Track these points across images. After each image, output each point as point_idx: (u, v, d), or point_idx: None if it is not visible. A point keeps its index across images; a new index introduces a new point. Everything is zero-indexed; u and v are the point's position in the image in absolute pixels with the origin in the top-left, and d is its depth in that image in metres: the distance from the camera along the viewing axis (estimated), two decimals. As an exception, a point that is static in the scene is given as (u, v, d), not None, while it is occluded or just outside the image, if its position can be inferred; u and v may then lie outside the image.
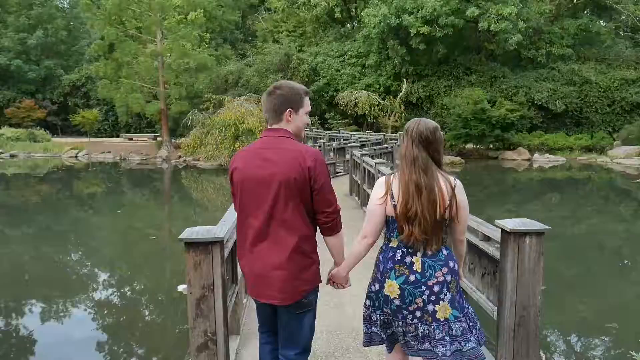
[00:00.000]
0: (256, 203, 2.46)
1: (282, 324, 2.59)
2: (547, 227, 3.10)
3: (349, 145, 14.13)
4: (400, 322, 2.45)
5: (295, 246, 2.43)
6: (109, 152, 31.84)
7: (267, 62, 35.27)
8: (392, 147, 13.95)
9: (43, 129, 37.30)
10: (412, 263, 2.40)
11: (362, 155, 9.94)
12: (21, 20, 40.96)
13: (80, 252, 11.53)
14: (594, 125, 31.23)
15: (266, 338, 2.75)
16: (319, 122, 34.48)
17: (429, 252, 2.41)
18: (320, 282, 2.59)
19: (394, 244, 2.45)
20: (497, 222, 3.27)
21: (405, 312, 2.41)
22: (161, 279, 8.82)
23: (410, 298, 2.39)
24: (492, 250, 3.54)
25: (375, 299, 2.50)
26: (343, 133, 23.79)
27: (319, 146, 14.43)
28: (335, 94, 33.77)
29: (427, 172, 2.38)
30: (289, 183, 2.39)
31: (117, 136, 38.95)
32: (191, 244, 2.92)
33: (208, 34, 43.38)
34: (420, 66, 33.55)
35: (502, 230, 3.20)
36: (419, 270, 2.39)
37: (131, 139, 35.49)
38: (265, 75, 34.37)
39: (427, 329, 2.41)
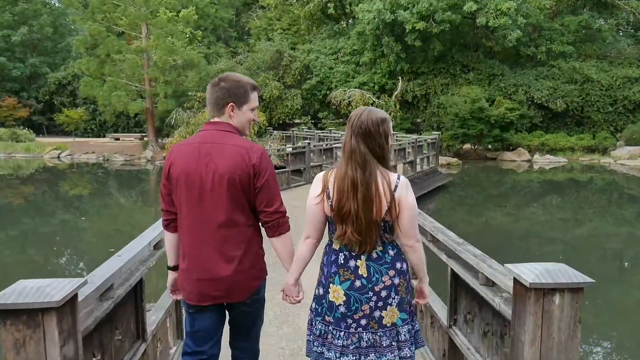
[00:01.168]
0: (196, 201, 2.33)
1: (236, 321, 2.54)
2: (589, 280, 1.97)
3: (335, 146, 13.06)
4: (342, 333, 2.26)
5: (241, 244, 2.36)
6: (93, 152, 30.74)
7: (258, 59, 34.22)
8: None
9: (27, 128, 36.13)
10: (356, 267, 2.24)
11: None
12: (5, 16, 39.71)
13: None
14: (596, 124, 30.14)
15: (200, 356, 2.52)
16: (312, 121, 33.42)
17: (374, 255, 2.24)
18: (267, 274, 2.52)
19: (336, 246, 2.29)
20: (511, 267, 2.15)
21: (350, 321, 2.25)
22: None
23: (357, 305, 2.23)
24: (499, 302, 2.43)
25: (318, 303, 2.34)
26: (334, 133, 22.66)
27: (303, 147, 13.33)
28: (328, 92, 32.73)
29: (365, 168, 2.18)
30: (233, 180, 2.29)
31: (104, 136, 37.77)
32: (7, 313, 1.78)
33: (200, 32, 42.56)
34: (416, 64, 32.51)
35: (517, 282, 2.08)
36: (365, 275, 2.23)
37: (117, 139, 34.37)
38: (256, 73, 33.28)
39: (373, 338, 2.25)
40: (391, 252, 2.27)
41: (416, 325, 2.38)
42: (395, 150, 14.03)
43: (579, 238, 13.09)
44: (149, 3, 28.02)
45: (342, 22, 39.00)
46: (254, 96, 2.46)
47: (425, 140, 17.42)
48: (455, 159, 25.76)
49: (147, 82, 28.72)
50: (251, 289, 2.43)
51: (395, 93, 31.49)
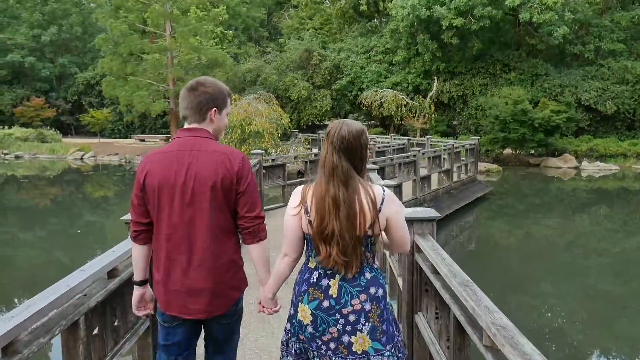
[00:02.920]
0: (176, 211, 2.27)
1: (213, 335, 2.47)
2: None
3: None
4: (316, 352, 2.21)
5: (221, 254, 2.31)
6: (116, 154, 30.01)
7: (287, 59, 33.06)
8: (415, 155, 11.26)
9: (54, 129, 35.87)
10: (328, 287, 2.16)
11: (368, 169, 7.32)
12: (35, 16, 39.59)
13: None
14: (650, 129, 27.78)
15: None
16: (342, 123, 31.95)
17: (349, 276, 2.14)
18: (247, 285, 2.47)
19: (312, 264, 2.21)
20: None
21: (319, 342, 2.17)
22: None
23: (324, 326, 2.14)
24: None
25: (291, 323, 2.26)
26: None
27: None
28: (359, 93, 31.37)
29: (348, 184, 2.10)
30: (214, 188, 2.25)
31: (130, 137, 37.18)
32: None
33: (231, 32, 41.80)
34: (452, 63, 30.71)
35: None
36: (334, 296, 2.14)
37: (142, 140, 33.63)
38: (284, 72, 32.16)
39: None
40: (367, 275, 2.17)
41: (400, 356, 2.25)
42: (429, 158, 12.42)
43: (629, 251, 12.14)
44: (175, 0, 27.05)
45: (374, 19, 37.44)
46: (229, 101, 2.45)
47: (463, 145, 15.70)
48: (495, 166, 23.83)
49: (171, 81, 27.78)
50: (231, 301, 2.39)
51: (430, 94, 29.81)
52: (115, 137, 37.87)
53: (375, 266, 2.22)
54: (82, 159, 30.36)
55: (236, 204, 2.30)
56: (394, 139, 20.12)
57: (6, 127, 34.80)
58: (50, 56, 40.49)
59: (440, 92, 30.27)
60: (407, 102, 29.27)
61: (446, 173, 13.70)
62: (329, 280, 2.16)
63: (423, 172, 12.08)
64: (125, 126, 38.46)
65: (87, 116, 35.09)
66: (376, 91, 29.82)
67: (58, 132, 35.82)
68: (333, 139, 2.12)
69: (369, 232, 2.10)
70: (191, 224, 2.27)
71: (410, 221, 3.34)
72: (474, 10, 26.74)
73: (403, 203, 11.00)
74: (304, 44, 32.82)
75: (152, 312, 2.54)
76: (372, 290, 2.16)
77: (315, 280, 2.18)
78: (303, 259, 2.30)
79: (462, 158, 15.54)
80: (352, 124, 2.17)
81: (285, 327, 2.33)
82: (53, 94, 39.82)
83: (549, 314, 8.07)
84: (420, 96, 30.16)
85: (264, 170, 9.27)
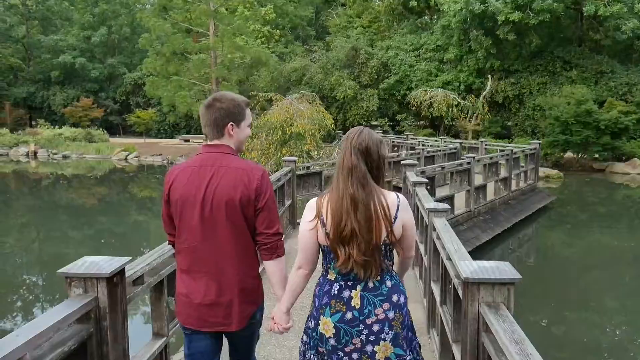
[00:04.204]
0: (196, 225, 2.31)
1: (233, 348, 2.55)
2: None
3: (403, 160, 10.39)
4: None
5: (239, 269, 2.33)
6: (160, 154, 29.81)
7: (333, 57, 32.04)
8: (469, 162, 9.97)
9: (102, 129, 36.21)
10: (350, 298, 2.14)
11: (416, 183, 6.18)
12: (86, 17, 40.17)
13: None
14: None
15: None
16: (389, 124, 30.73)
17: (370, 285, 2.14)
18: (264, 299, 2.50)
19: (331, 276, 2.20)
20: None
21: (341, 354, 2.15)
22: None
23: (347, 338, 2.13)
24: None
25: (310, 336, 2.25)
26: (412, 139, 19.84)
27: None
28: (407, 92, 30.02)
29: (365, 186, 2.11)
30: (232, 204, 2.27)
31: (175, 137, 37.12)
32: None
33: (278, 31, 41.27)
34: (508, 60, 28.90)
35: None
36: (357, 307, 2.13)
37: (187, 141, 33.37)
38: (329, 72, 31.15)
39: None
40: (388, 283, 2.17)
41: (418, 358, 2.26)
42: (485, 165, 11.10)
43: None
44: (219, -1, 26.55)
45: (425, 16, 35.88)
46: (248, 112, 2.47)
47: (523, 150, 14.20)
48: (555, 171, 21.97)
49: (214, 81, 27.28)
50: (248, 316, 2.38)
51: (484, 93, 28.13)
52: (161, 138, 37.90)
53: (394, 273, 2.22)
54: (126, 159, 30.38)
55: (255, 220, 2.32)
56: (445, 141, 18.74)
57: (57, 127, 35.38)
58: (100, 57, 41.03)
59: (495, 91, 28.51)
60: (459, 102, 27.72)
61: (504, 181, 12.30)
62: (351, 292, 2.13)
63: (478, 181, 10.77)
64: (171, 126, 38.41)
65: (133, 116, 35.22)
66: (426, 90, 28.40)
67: (105, 132, 36.15)
68: (353, 141, 2.16)
69: (387, 240, 2.10)
70: (210, 238, 2.30)
71: (475, 284, 2.26)
72: (532, 4, 24.94)
73: (455, 217, 9.82)
74: (350, 42, 31.72)
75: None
76: (395, 298, 2.15)
77: (336, 292, 2.15)
78: (318, 272, 2.30)
79: (521, 164, 14.06)
80: (372, 133, 2.22)
81: (302, 338, 2.32)
82: (102, 94, 40.28)
83: (613, 332, 7.61)
84: (473, 96, 28.50)
85: (297, 180, 8.29)
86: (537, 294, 9.06)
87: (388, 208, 2.09)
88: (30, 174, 27.39)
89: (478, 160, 10.68)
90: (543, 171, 20.96)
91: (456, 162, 10.17)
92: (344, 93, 29.81)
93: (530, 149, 14.57)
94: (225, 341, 2.56)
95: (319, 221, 2.14)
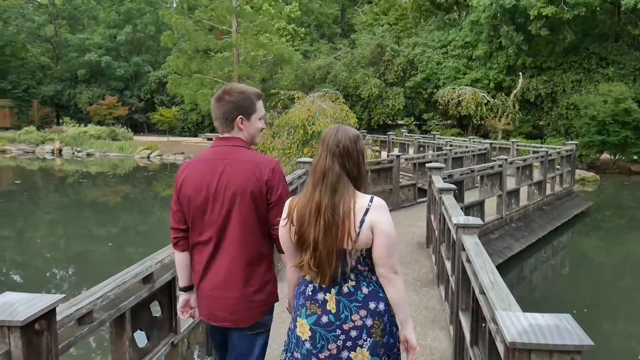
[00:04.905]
0: (208, 219, 2.30)
1: (232, 345, 2.42)
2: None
3: (429, 162, 9.69)
4: None
5: (251, 265, 2.30)
6: (182, 153, 29.55)
7: (358, 55, 31.31)
8: (501, 165, 9.16)
9: (126, 127, 36.20)
10: (325, 301, 2.06)
11: (442, 190, 5.49)
12: (111, 16, 40.25)
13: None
14: None
15: None
16: (415, 123, 29.86)
17: (345, 290, 2.05)
18: (277, 300, 2.43)
19: (308, 276, 2.12)
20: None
21: (314, 359, 2.06)
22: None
23: (323, 342, 2.05)
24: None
25: (289, 338, 2.20)
26: (439, 139, 19.01)
27: (390, 160, 9.97)
28: (435, 90, 29.09)
29: (336, 190, 2.02)
30: (243, 197, 2.25)
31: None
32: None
33: (303, 29, 40.79)
34: (540, 57, 27.75)
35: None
36: (333, 311, 2.04)
37: (210, 139, 33.03)
38: (354, 69, 30.44)
39: None
40: (364, 290, 2.07)
41: None
42: (518, 168, 10.27)
43: None
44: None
45: (453, 11, 34.84)
46: (260, 105, 2.41)
47: (559, 152, 13.25)
48: (591, 174, 20.84)
49: (237, 79, 26.84)
50: (257, 314, 2.34)
51: (515, 91, 27.04)
52: (184, 136, 37.71)
53: (374, 279, 2.10)
54: (148, 157, 30.22)
55: (268, 214, 2.30)
56: (473, 141, 17.86)
57: (82, 125, 35.51)
58: (125, 55, 41.06)
59: (526, 89, 27.37)
60: (488, 101, 26.70)
61: (538, 185, 11.43)
62: (325, 294, 2.08)
63: (510, 184, 9.96)
64: (194, 125, 38.19)
65: (156, 114, 35.08)
66: (453, 88, 27.47)
67: (130, 130, 36.14)
68: (329, 143, 2.08)
69: (351, 247, 2.00)
70: (222, 232, 2.28)
71: (525, 351, 1.59)
72: (567, -3, 23.83)
73: (486, 224, 9.04)
74: (376, 39, 30.92)
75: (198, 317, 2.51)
76: (372, 305, 2.06)
77: (310, 293, 2.10)
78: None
79: (556, 166, 13.13)
80: (348, 129, 2.14)
81: (285, 341, 2.26)
82: (127, 93, 40.32)
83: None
84: (503, 94, 27.45)
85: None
86: (571, 303, 8.59)
87: (354, 213, 1.99)
88: (56, 171, 27.75)
89: (511, 163, 9.86)
90: (578, 173, 19.88)
91: (487, 164, 9.38)
92: (369, 91, 29.07)
93: (567, 150, 13.63)
94: None
95: (289, 220, 2.11)
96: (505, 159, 9.32)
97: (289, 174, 7.74)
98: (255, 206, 2.25)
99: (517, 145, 16.55)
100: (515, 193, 10.05)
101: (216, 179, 2.26)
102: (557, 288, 9.84)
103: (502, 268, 8.63)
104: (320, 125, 17.86)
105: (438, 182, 6.16)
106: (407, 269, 6.04)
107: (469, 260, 3.14)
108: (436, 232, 5.89)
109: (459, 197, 7.65)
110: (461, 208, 7.89)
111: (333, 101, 19.75)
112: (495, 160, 9.71)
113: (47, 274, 10.71)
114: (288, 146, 18.92)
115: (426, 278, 5.80)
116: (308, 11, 43.97)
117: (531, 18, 24.96)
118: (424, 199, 9.21)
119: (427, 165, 7.32)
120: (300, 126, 18.31)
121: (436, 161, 11.05)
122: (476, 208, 8.35)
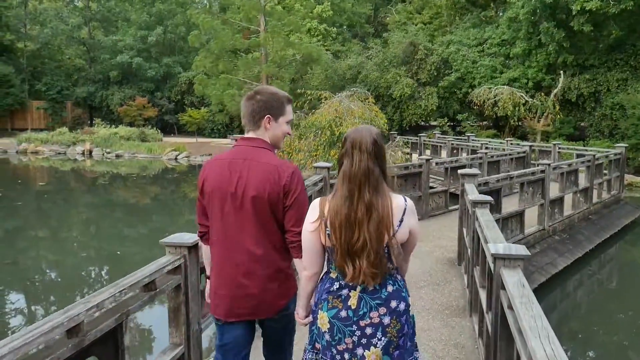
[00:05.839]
0: (227, 217, 2.34)
1: (267, 335, 2.53)
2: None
3: (462, 166, 8.78)
4: None
5: (268, 263, 2.33)
6: (210, 154, 29.18)
7: (390, 54, 30.36)
8: (543, 171, 8.17)
9: (156, 128, 36.16)
10: (347, 297, 2.12)
11: (476, 203, 4.65)
12: (143, 17, 40.29)
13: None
14: None
15: None
16: (449, 124, 28.74)
17: (370, 287, 2.09)
18: (296, 290, 2.47)
19: (333, 274, 2.18)
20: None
21: (334, 351, 2.14)
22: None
23: (340, 336, 2.11)
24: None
25: (310, 331, 2.28)
26: (473, 141, 17.98)
27: (419, 165, 9.08)
28: (469, 90, 27.92)
29: (379, 190, 2.07)
30: (261, 199, 2.28)
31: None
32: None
33: (334, 28, 40.13)
34: (583, 55, 26.25)
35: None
36: (353, 307, 2.11)
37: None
38: (386, 69, 29.52)
39: None
40: (389, 288, 2.12)
41: None
42: (562, 174, 9.25)
43: None
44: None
45: (490, 8, 33.53)
46: (289, 109, 2.44)
47: (607, 155, 12.11)
48: (639, 178, 19.47)
49: (265, 79, 26.28)
50: (278, 307, 2.38)
51: (555, 91, 25.68)
52: (214, 137, 37.44)
53: (399, 278, 2.17)
54: (176, 159, 30.05)
55: (283, 217, 2.31)
56: (511, 144, 16.77)
57: (113, 126, 35.64)
58: (156, 56, 41.04)
59: (567, 88, 25.94)
60: (527, 101, 25.41)
61: (584, 193, 10.37)
62: (350, 291, 2.11)
63: (553, 192, 8.97)
64: (224, 126, 37.87)
65: (185, 115, 34.89)
66: (490, 88, 26.26)
67: (159, 131, 36.07)
68: (366, 145, 2.08)
69: (392, 242, 2.06)
70: (240, 231, 2.31)
71: None
72: (614, -10, 22.41)
73: (526, 237, 8.11)
74: (408, 37, 29.91)
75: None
76: (393, 303, 2.10)
77: (335, 289, 2.14)
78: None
79: (604, 171, 11.99)
80: (373, 128, 2.17)
81: (305, 343, 2.31)
82: (158, 94, 40.31)
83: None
84: (543, 94, 26.11)
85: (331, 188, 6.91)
86: (616, 319, 7.90)
87: (392, 212, 2.05)
88: (87, 172, 28.14)
89: (554, 168, 8.86)
90: (626, 178, 18.55)
91: (527, 170, 8.41)
92: (401, 91, 28.12)
93: (615, 154, 12.46)
94: (257, 334, 2.53)
95: (321, 221, 2.10)
96: (549, 164, 8.34)
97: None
98: (272, 209, 2.27)
99: (559, 148, 15.40)
100: (558, 201, 9.05)
101: (235, 180, 2.28)
102: (603, 304, 8.89)
103: (543, 287, 7.72)
104: (348, 126, 17.10)
105: (471, 192, 5.32)
106: (435, 293, 5.24)
107: (511, 307, 2.34)
108: (469, 250, 5.06)
109: (496, 207, 6.78)
110: (498, 220, 7.00)
111: (362, 101, 18.94)
112: (535, 165, 8.76)
113: (81, 273, 10.92)
114: (314, 148, 18.22)
115: (456, 305, 4.97)
116: (340, 11, 43.32)
117: (573, 13, 23.58)
118: (457, 206, 8.33)
119: (459, 172, 6.44)
120: (327, 127, 17.59)
121: (470, 165, 10.14)
122: (515, 219, 7.45)
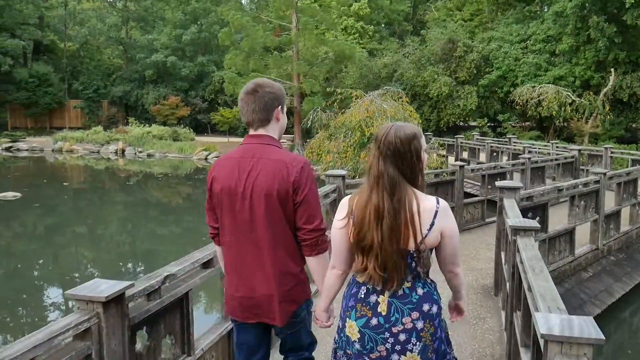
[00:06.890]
0: (236, 218, 2.29)
1: (282, 337, 2.47)
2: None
3: (501, 172, 7.69)
4: None
5: (279, 265, 2.27)
6: (239, 154, 28.75)
7: (427, 51, 29.14)
8: (598, 181, 7.01)
9: (188, 127, 35.95)
10: (376, 303, 2.04)
11: (517, 230, 3.65)
12: (178, 16, 40.19)
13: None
14: None
15: None
16: (489, 125, 27.33)
17: (400, 292, 2.02)
18: (308, 298, 2.41)
19: (360, 277, 2.11)
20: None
21: (367, 359, 2.05)
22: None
23: (372, 344, 2.03)
24: None
25: (339, 336, 2.19)
26: (515, 143, 16.70)
27: (452, 172, 8.03)
28: (511, 89, 26.44)
29: (394, 193, 1.98)
30: (270, 197, 2.22)
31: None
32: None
33: (372, 27, 39.20)
34: (636, 51, 24.46)
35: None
36: (384, 314, 2.02)
37: (269, 140, 32.09)
38: (423, 67, 28.34)
39: None
40: (420, 291, 2.04)
41: None
42: (619, 184, 8.03)
43: None
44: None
45: (534, 3, 31.84)
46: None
47: (667, 162, 10.74)
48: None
49: (296, 77, 25.50)
50: (288, 313, 2.30)
51: (605, 90, 23.97)
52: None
53: (429, 281, 2.11)
54: (206, 159, 29.68)
55: (294, 214, 2.24)
56: (557, 146, 15.43)
57: (147, 125, 35.64)
58: (190, 55, 40.89)
59: (618, 87, 24.18)
60: (573, 100, 23.80)
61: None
62: (378, 297, 2.05)
63: (609, 205, 7.79)
64: (257, 125, 37.41)
65: (216, 115, 34.53)
66: (533, 87, 24.75)
67: (192, 130, 35.83)
68: (380, 144, 2.03)
69: (421, 248, 1.99)
70: (250, 232, 2.25)
71: None
72: (672, -19, 20.66)
73: (577, 258, 6.84)
74: (447, 34, 28.59)
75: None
76: (426, 307, 2.04)
77: (363, 295, 2.08)
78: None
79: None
80: (403, 128, 2.05)
81: (335, 337, 2.25)
82: (192, 93, 40.16)
83: None
84: (591, 93, 24.42)
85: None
86: None
87: (419, 214, 1.97)
88: (121, 170, 28.29)
89: (610, 178, 7.67)
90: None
91: (579, 180, 7.24)
92: (438, 90, 26.89)
93: (677, 160, 11.08)
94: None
95: (350, 220, 2.05)
96: (604, 173, 7.18)
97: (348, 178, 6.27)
98: (282, 207, 2.22)
99: (612, 152, 14.02)
100: (615, 216, 7.86)
101: (244, 178, 2.24)
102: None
103: (597, 321, 6.56)
104: (379, 126, 16.16)
105: (512, 210, 4.32)
106: (464, 336, 4.25)
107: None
108: (507, 284, 4.07)
109: (542, 225, 5.73)
110: (544, 241, 5.93)
111: (395, 100, 17.91)
112: (586, 172, 7.62)
113: (114, 270, 11.29)
114: (344, 149, 17.31)
115: (491, 354, 3.97)
116: (378, 8, 42.31)
117: (627, 6, 21.91)
118: (494, 218, 7.28)
119: (497, 184, 5.41)
120: (357, 128, 16.66)
121: (511, 172, 9.03)
122: (564, 238, 6.36)
